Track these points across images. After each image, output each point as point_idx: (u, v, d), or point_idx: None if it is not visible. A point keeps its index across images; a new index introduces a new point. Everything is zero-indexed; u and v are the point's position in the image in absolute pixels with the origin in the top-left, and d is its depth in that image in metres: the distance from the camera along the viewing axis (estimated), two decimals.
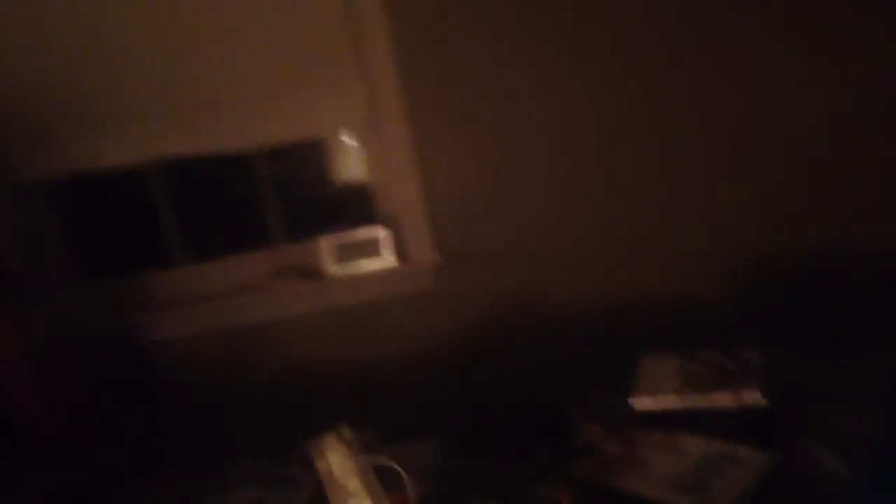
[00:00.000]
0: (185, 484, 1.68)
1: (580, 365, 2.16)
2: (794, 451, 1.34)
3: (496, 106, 2.08)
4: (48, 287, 2.18)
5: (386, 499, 1.29)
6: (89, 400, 2.09)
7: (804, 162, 2.11)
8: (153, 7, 2.00)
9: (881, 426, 1.36)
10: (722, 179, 2.13)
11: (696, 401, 1.53)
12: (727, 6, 2.03)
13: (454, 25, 2.03)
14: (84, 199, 2.27)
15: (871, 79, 2.06)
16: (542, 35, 2.04)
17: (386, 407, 2.21)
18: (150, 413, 2.21)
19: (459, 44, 2.04)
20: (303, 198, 2.31)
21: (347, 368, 2.23)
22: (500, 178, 2.14)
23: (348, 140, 2.25)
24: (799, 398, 1.49)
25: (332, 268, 2.17)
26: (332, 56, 2.06)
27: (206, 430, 2.24)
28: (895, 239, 2.15)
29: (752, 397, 1.49)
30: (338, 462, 1.34)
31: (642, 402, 1.58)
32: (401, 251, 2.18)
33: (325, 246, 2.17)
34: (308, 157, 2.31)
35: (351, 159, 2.29)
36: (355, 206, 2.26)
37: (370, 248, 2.17)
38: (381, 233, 2.16)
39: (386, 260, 2.16)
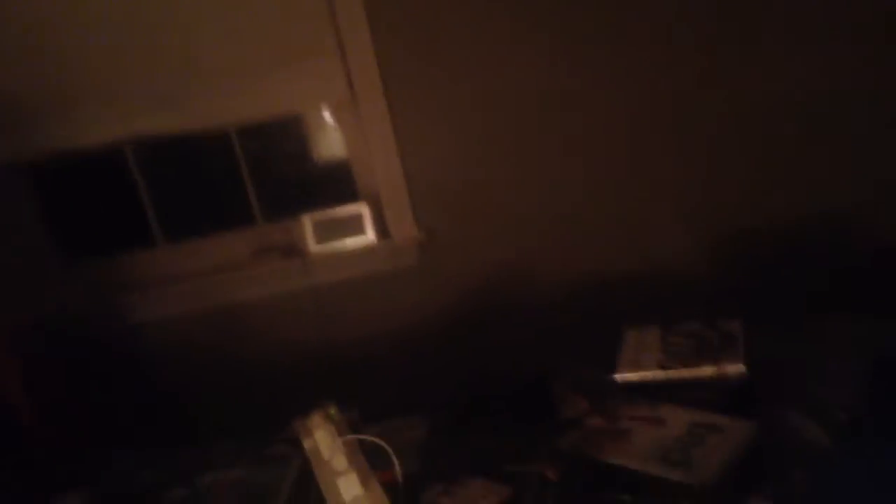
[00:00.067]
0: (171, 463, 1.68)
1: (564, 339, 2.19)
2: (775, 420, 1.37)
3: (476, 81, 2.07)
4: (26, 269, 2.15)
5: (373, 476, 1.30)
6: (70, 385, 2.08)
7: (779, 140, 2.13)
8: None
9: (859, 394, 1.39)
10: (700, 159, 2.15)
11: (679, 372, 1.55)
12: None
13: (432, 1, 2.01)
14: (62, 179, 2.23)
15: (848, 59, 2.08)
16: (522, 10, 2.02)
17: (371, 384, 2.22)
18: (133, 394, 2.20)
19: (438, 19, 2.02)
20: (284, 175, 2.29)
21: (332, 347, 2.23)
22: (482, 155, 2.13)
23: (328, 117, 2.24)
24: (778, 368, 1.51)
25: (315, 246, 2.16)
26: (310, 32, 2.04)
27: (191, 410, 2.24)
28: (868, 209, 2.18)
29: (734, 368, 1.51)
30: (324, 440, 1.34)
31: (625, 375, 1.59)
32: (383, 228, 2.17)
33: (307, 224, 2.16)
34: (288, 134, 2.28)
35: (331, 136, 2.27)
36: (337, 184, 2.24)
37: (353, 226, 2.16)
38: (363, 210, 2.15)
39: (368, 237, 2.15)
